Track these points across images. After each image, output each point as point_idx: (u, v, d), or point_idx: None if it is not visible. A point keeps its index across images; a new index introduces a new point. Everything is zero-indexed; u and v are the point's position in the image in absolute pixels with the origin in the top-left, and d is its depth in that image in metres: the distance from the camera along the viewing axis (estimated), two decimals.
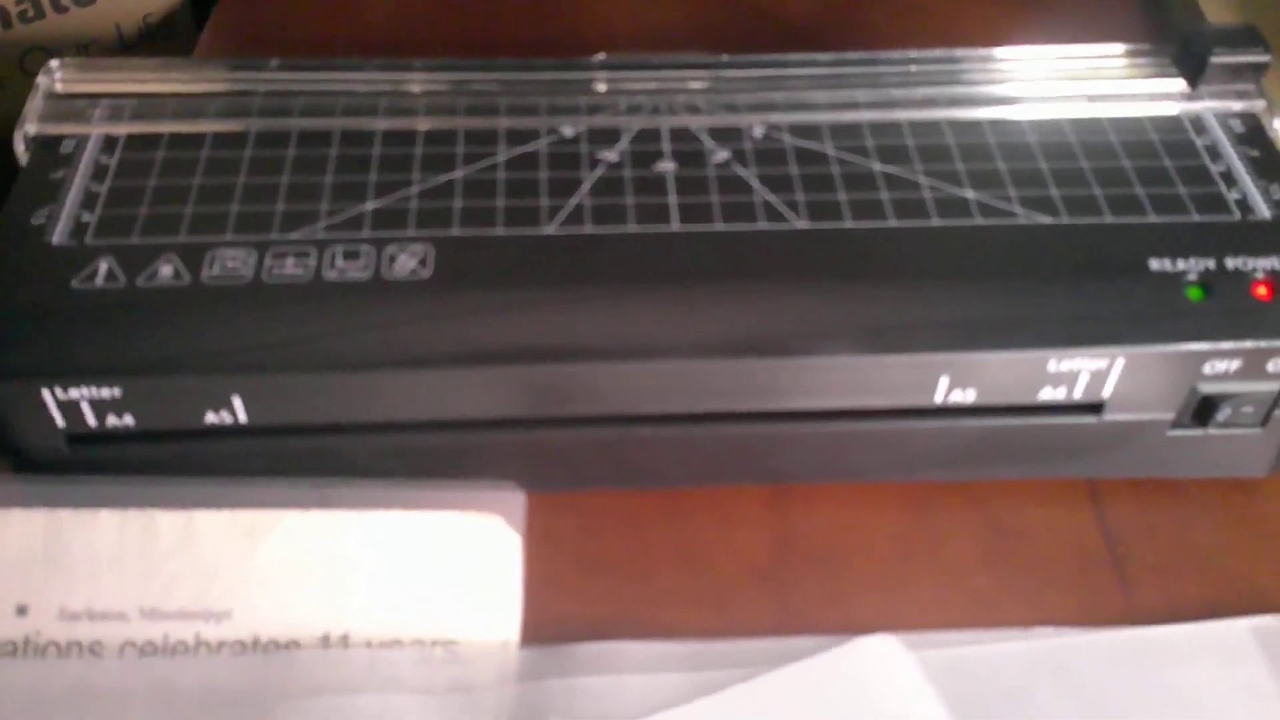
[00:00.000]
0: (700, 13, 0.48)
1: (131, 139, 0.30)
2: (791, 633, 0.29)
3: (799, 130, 0.32)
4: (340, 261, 0.28)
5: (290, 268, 0.27)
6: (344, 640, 0.27)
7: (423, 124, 0.31)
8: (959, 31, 0.47)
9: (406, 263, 0.28)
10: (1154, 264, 0.29)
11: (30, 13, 0.43)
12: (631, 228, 0.29)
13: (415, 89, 0.33)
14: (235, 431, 0.28)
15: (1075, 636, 0.29)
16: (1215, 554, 0.31)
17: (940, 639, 0.28)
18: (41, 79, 0.32)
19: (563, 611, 0.29)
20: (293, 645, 0.27)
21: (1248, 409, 0.29)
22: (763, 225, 0.29)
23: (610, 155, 0.31)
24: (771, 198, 0.30)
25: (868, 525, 0.31)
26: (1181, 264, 0.29)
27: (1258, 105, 0.33)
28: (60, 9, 0.44)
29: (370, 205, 0.29)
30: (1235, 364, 0.28)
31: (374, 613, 0.27)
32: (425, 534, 0.28)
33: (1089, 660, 0.28)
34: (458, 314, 0.27)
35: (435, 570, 0.27)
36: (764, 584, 0.30)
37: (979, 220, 0.30)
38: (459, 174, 0.30)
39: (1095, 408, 0.29)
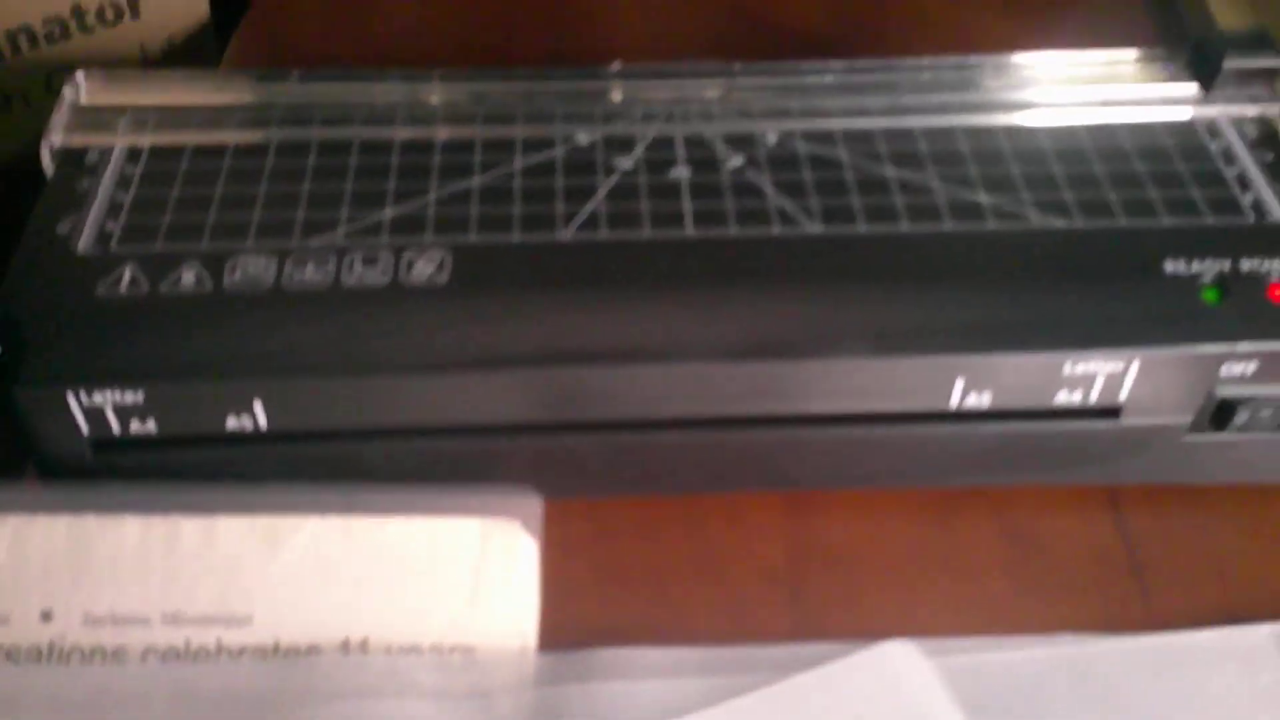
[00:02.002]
0: (713, 23, 0.48)
1: (155, 150, 0.31)
2: (808, 639, 0.28)
3: (812, 136, 0.32)
4: (359, 267, 0.28)
5: (310, 274, 0.28)
6: (363, 646, 0.27)
7: (440, 133, 0.32)
8: (969, 41, 0.47)
9: (424, 268, 0.28)
10: (1169, 267, 0.29)
11: (56, 33, 0.44)
12: (646, 233, 0.29)
13: (433, 100, 0.33)
14: (256, 437, 0.28)
15: (1095, 643, 0.28)
16: (1236, 560, 0.31)
17: (958, 645, 0.28)
18: (67, 91, 0.32)
19: (579, 617, 0.29)
20: (313, 650, 0.27)
21: (1266, 412, 0.29)
22: (777, 230, 0.29)
23: (625, 162, 0.31)
24: (785, 203, 0.30)
25: (885, 531, 0.31)
26: (1196, 266, 0.29)
27: (1272, 109, 0.33)
28: (85, 29, 0.45)
29: (389, 212, 0.29)
30: (1252, 366, 0.28)
31: (393, 618, 0.27)
32: (443, 539, 0.28)
33: (1108, 666, 0.28)
34: (474, 319, 0.27)
35: (453, 575, 0.28)
36: (780, 590, 0.30)
37: (992, 224, 0.30)
38: (476, 181, 0.30)
39: (1112, 412, 0.29)
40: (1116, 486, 0.32)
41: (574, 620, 0.28)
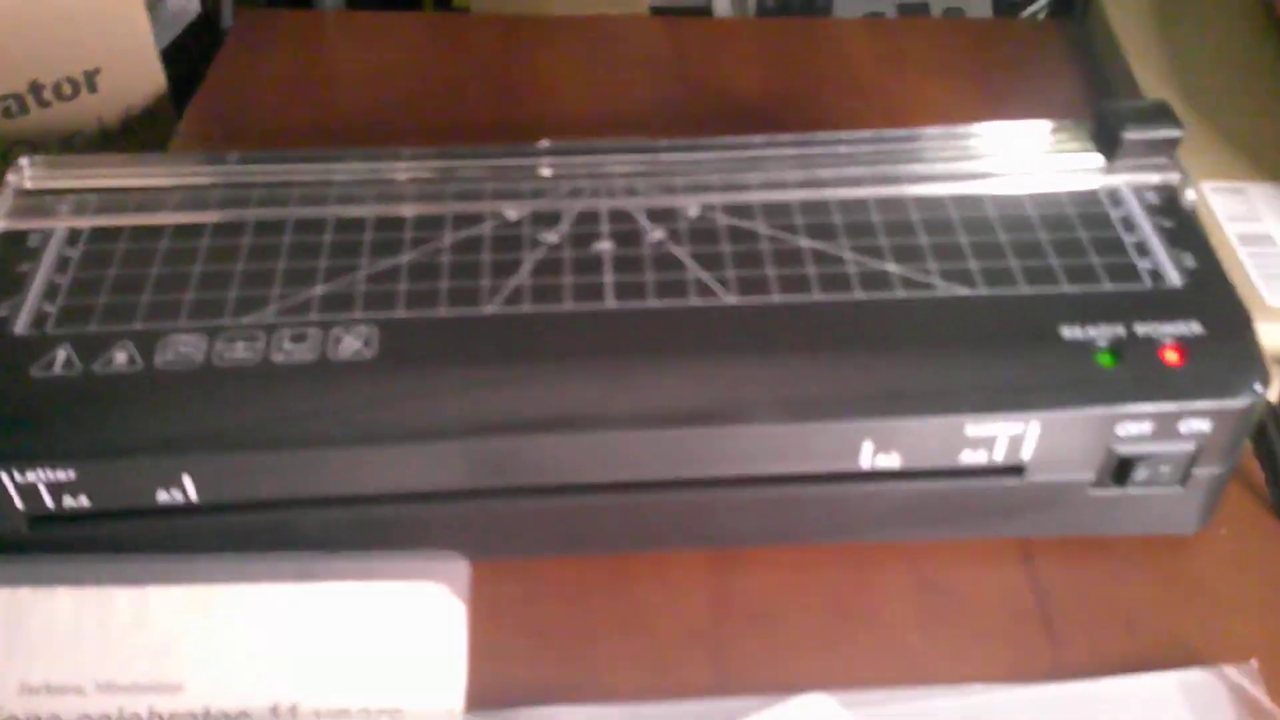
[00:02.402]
0: (660, 93, 0.50)
1: (95, 231, 0.32)
2: (730, 693, 0.29)
3: (732, 209, 0.34)
4: (287, 344, 0.29)
5: (240, 351, 0.29)
6: (293, 711, 0.28)
7: (372, 210, 0.33)
8: (903, 109, 0.49)
9: (351, 344, 0.29)
10: (1066, 332, 0.30)
11: (14, 108, 0.46)
12: (569, 306, 0.31)
13: (365, 177, 0.34)
14: (187, 509, 0.29)
15: (1004, 692, 0.30)
16: (1143, 610, 0.32)
17: (874, 697, 0.29)
18: (11, 177, 0.33)
19: (506, 677, 0.30)
20: (242, 716, 0.28)
21: (1165, 468, 0.31)
22: (694, 301, 0.31)
23: (551, 237, 0.33)
24: (704, 275, 0.31)
25: (805, 586, 0.32)
26: (1093, 331, 0.30)
27: (1173, 178, 0.35)
28: (43, 104, 0.46)
29: (319, 290, 0.31)
30: (1147, 426, 0.30)
31: (322, 683, 0.28)
32: (372, 604, 0.29)
33: (1017, 715, 0.29)
34: (399, 392, 0.29)
35: (382, 639, 0.29)
36: (703, 646, 0.31)
37: (900, 293, 0.31)
38: (405, 258, 0.32)
39: (1017, 470, 0.31)
40: (1031, 540, 0.33)
41: (501, 680, 0.29)
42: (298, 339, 0.29)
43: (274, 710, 0.28)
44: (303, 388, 0.28)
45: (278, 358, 0.29)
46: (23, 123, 0.46)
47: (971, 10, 0.58)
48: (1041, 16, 0.58)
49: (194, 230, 0.32)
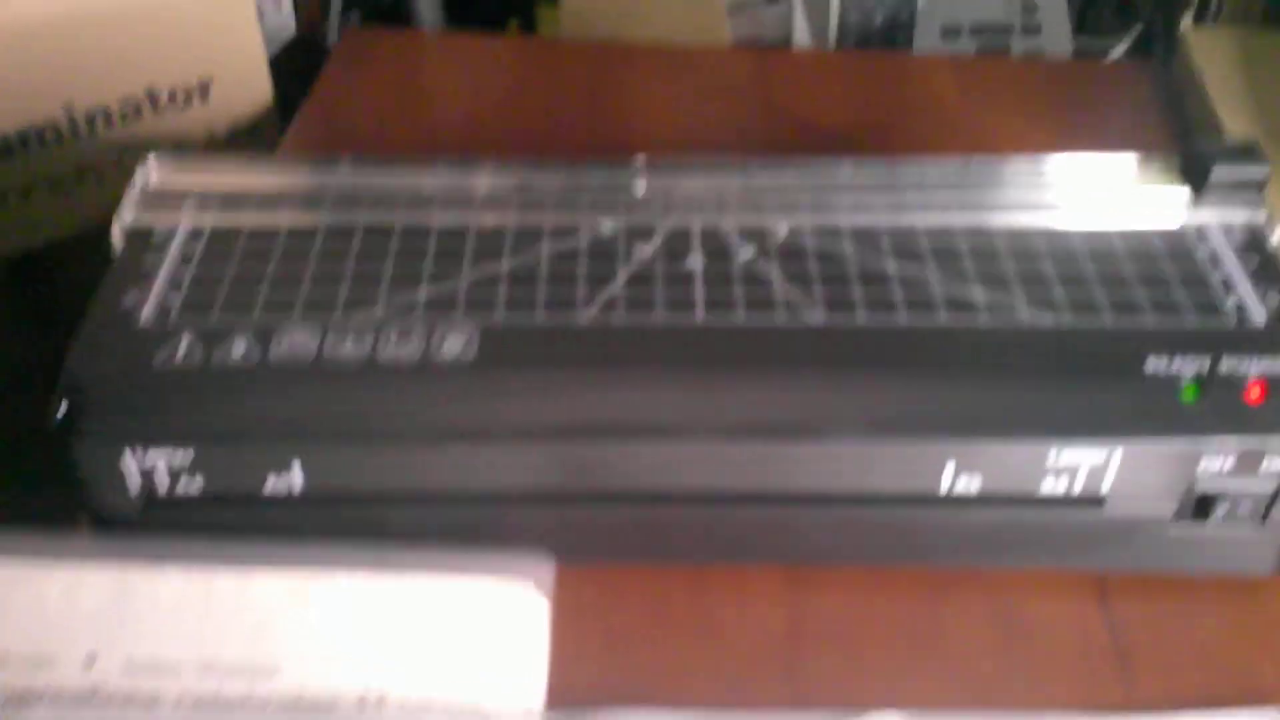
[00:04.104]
0: (746, 117, 0.51)
1: (216, 231, 0.34)
2: (802, 707, 0.30)
3: (820, 231, 0.34)
4: (393, 343, 0.30)
5: (349, 347, 0.30)
6: (380, 702, 0.29)
7: (476, 219, 0.35)
8: (986, 140, 0.49)
9: (453, 345, 0.30)
10: (1150, 365, 0.30)
11: (130, 113, 0.48)
12: (660, 318, 0.32)
13: (470, 189, 0.36)
14: (292, 499, 0.30)
15: None
16: (1217, 649, 0.32)
17: (944, 718, 0.30)
18: (139, 174, 0.35)
19: (586, 678, 0.30)
20: (332, 705, 0.29)
21: (1245, 506, 0.31)
22: (781, 319, 0.32)
23: (644, 251, 0.34)
24: (791, 293, 0.32)
25: (880, 608, 0.32)
26: (1177, 365, 0.30)
27: (1259, 216, 0.35)
28: (157, 110, 0.48)
29: (424, 293, 0.32)
30: (1229, 462, 0.30)
31: (409, 675, 0.29)
32: (460, 599, 0.30)
33: None
34: (496, 394, 0.30)
35: (468, 635, 0.29)
36: (776, 660, 0.31)
37: (985, 319, 0.32)
38: (505, 266, 0.33)
39: (1097, 501, 0.31)
40: (1107, 575, 0.33)
41: (581, 681, 0.30)
42: (403, 338, 0.31)
43: (362, 699, 0.29)
44: (406, 384, 0.30)
45: (384, 355, 0.30)
46: (137, 127, 0.48)
47: (1051, 50, 0.58)
48: (1118, 57, 0.58)
49: (307, 232, 0.34)
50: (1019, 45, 0.59)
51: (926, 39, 0.58)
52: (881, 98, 0.52)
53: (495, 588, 0.30)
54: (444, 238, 0.34)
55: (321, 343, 0.30)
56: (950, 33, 0.59)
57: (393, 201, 0.35)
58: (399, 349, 0.30)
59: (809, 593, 0.33)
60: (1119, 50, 0.58)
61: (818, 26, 0.58)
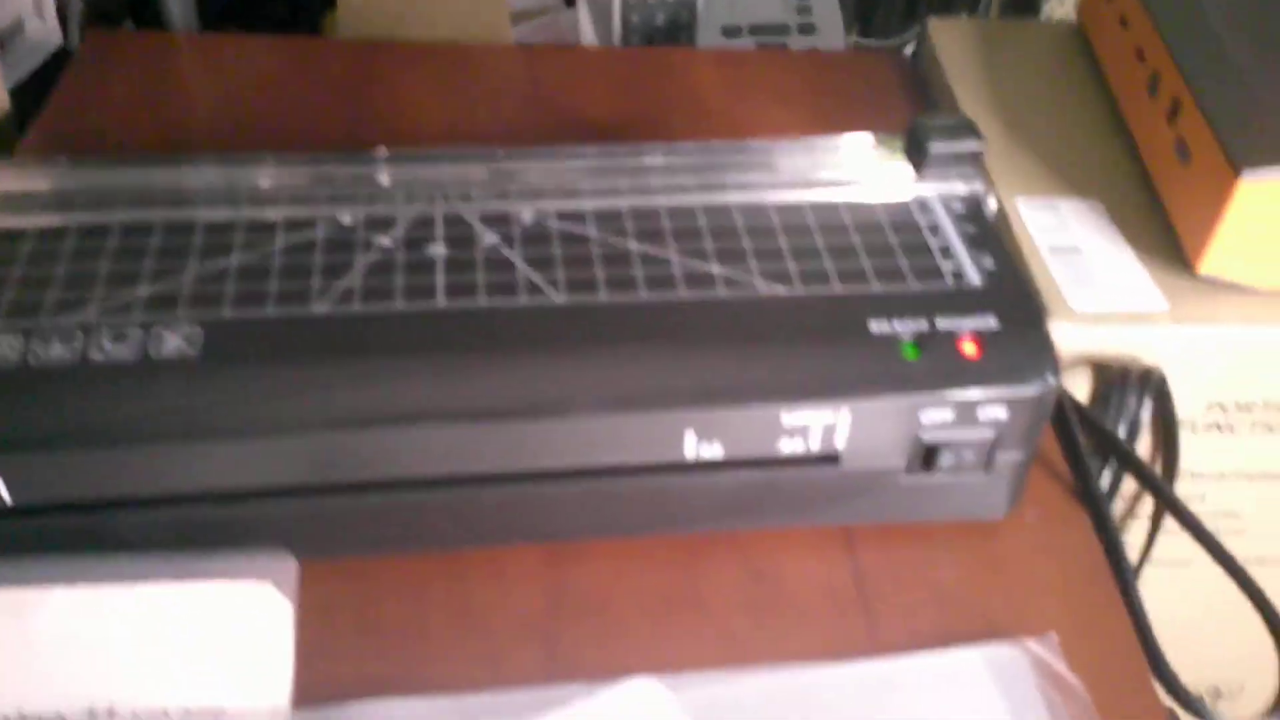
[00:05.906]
0: (509, 112, 0.51)
1: None
2: (561, 681, 0.30)
3: (565, 215, 0.35)
4: (107, 343, 0.29)
5: (56, 350, 0.29)
6: (109, 713, 0.27)
7: (203, 215, 0.33)
8: (750, 132, 0.51)
9: (173, 343, 0.29)
10: (874, 326, 0.32)
11: None
12: (399, 305, 0.31)
13: (198, 184, 0.34)
14: (2, 512, 0.28)
15: (820, 670, 0.31)
16: (954, 590, 0.34)
17: (699, 679, 0.30)
18: None
19: (338, 674, 0.30)
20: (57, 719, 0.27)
21: (968, 454, 0.33)
22: (523, 301, 0.32)
23: (384, 240, 0.33)
24: (534, 276, 0.33)
25: (636, 577, 0.33)
26: (898, 326, 0.32)
27: (977, 188, 0.37)
28: None
29: (143, 291, 0.31)
30: (949, 413, 0.32)
31: (141, 684, 0.28)
32: (195, 604, 0.29)
33: (833, 691, 0.31)
34: (222, 389, 0.29)
35: (207, 639, 0.28)
36: (535, 637, 0.31)
37: (722, 292, 0.33)
38: (235, 261, 0.32)
39: (833, 458, 0.32)
40: (852, 528, 0.35)
41: (332, 677, 0.30)
42: (118, 338, 0.29)
43: (91, 713, 0.27)
44: (121, 386, 0.28)
45: (96, 356, 0.29)
46: None
47: (825, 49, 0.61)
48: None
49: (14, 234, 0.32)
50: (796, 44, 0.61)
51: (708, 39, 0.60)
52: (650, 92, 0.53)
53: (233, 590, 0.29)
54: (168, 235, 0.33)
55: (25, 347, 0.29)
56: (730, 32, 0.61)
57: (112, 200, 0.33)
58: (113, 350, 0.29)
59: (567, 569, 0.33)
60: (907, 51, 0.61)
61: (602, 30, 0.59)
